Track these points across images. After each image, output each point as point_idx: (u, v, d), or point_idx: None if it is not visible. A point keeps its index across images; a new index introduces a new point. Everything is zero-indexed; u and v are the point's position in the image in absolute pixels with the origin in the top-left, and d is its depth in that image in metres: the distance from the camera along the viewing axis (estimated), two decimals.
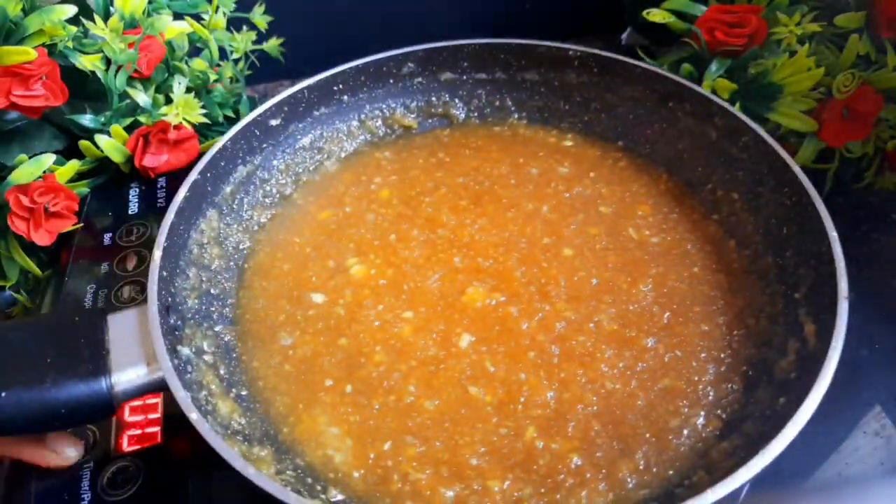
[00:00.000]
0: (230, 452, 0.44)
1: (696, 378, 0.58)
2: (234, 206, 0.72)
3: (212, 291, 0.65)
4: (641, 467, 0.52)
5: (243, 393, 0.58)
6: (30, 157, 0.73)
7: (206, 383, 0.55)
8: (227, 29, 0.90)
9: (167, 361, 0.49)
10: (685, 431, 0.54)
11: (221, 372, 0.58)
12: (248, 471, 0.43)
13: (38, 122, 0.77)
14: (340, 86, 0.79)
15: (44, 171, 0.73)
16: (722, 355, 0.60)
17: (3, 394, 0.46)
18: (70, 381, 0.48)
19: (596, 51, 0.79)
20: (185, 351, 0.55)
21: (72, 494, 0.54)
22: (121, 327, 0.53)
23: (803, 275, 0.59)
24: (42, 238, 0.72)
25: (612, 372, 0.58)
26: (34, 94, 0.69)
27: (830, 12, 0.76)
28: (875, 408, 0.64)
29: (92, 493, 0.54)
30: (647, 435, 0.54)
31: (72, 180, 0.77)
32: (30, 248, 0.75)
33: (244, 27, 0.93)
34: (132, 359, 0.51)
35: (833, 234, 0.57)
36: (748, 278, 0.65)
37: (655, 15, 0.84)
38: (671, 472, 0.52)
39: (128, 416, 0.59)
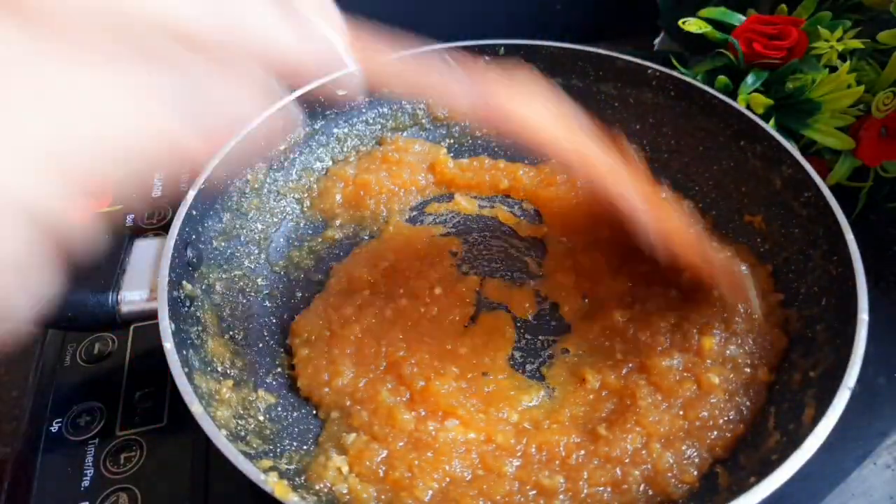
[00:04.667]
0: (186, 386, 0.47)
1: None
2: (286, 164, 0.75)
3: (241, 238, 0.69)
4: None
5: (239, 336, 0.62)
6: None
7: (205, 320, 0.59)
8: None
9: (164, 292, 0.54)
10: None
11: (225, 313, 0.62)
12: (193, 407, 0.46)
13: None
14: None
15: None
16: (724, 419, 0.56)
17: None
18: (81, 290, 0.54)
19: (676, 73, 0.75)
20: (190, 287, 0.59)
21: (75, 469, 0.56)
22: (142, 252, 0.58)
23: (826, 353, 0.54)
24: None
25: None
26: None
27: (873, 28, 0.72)
28: (888, 439, 0.60)
29: (95, 469, 0.56)
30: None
31: None
32: None
33: None
34: (140, 282, 0.56)
35: (863, 317, 0.51)
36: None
37: (691, 24, 0.78)
38: None
39: (136, 396, 0.61)
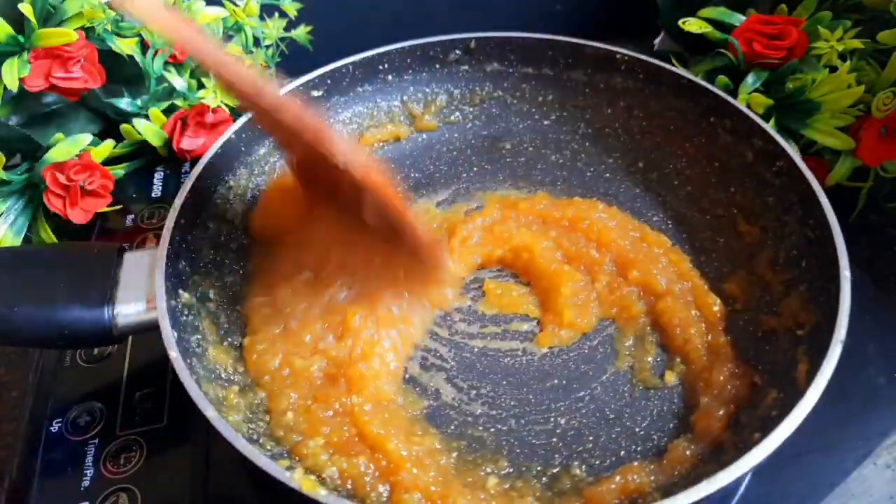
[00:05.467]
0: (197, 393, 0.47)
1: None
2: (266, 169, 0.75)
3: (230, 246, 0.68)
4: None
5: (237, 342, 0.61)
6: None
7: (203, 328, 0.58)
8: (259, 17, 0.92)
9: (163, 302, 0.53)
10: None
11: (221, 320, 0.62)
12: (208, 412, 0.46)
13: (75, 104, 0.78)
14: (385, 65, 0.81)
15: (80, 150, 0.74)
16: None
17: (15, 308, 0.51)
18: (75, 306, 0.53)
19: (644, 57, 0.77)
20: (187, 295, 0.58)
21: (75, 470, 0.56)
22: (134, 265, 0.57)
23: (812, 311, 0.57)
24: (78, 216, 0.73)
25: None
26: (73, 77, 0.71)
27: (873, 28, 0.72)
28: (888, 439, 0.60)
29: (95, 469, 0.56)
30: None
31: (109, 163, 0.78)
32: (58, 231, 0.76)
33: (275, 14, 0.94)
34: (136, 295, 0.55)
35: (846, 273, 0.54)
36: None
37: (692, 24, 0.80)
38: None
39: (136, 396, 0.61)
